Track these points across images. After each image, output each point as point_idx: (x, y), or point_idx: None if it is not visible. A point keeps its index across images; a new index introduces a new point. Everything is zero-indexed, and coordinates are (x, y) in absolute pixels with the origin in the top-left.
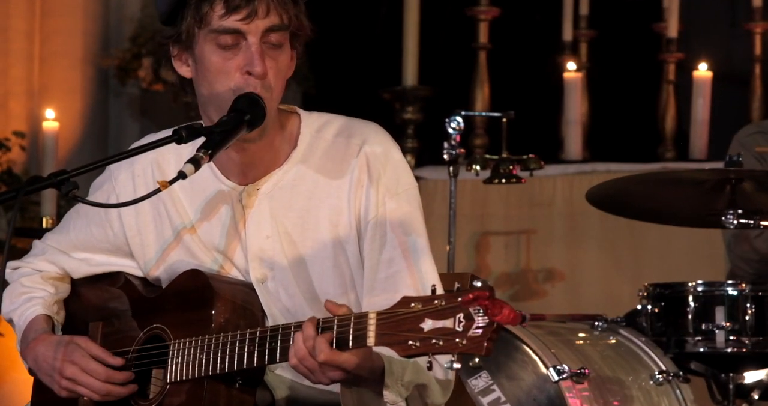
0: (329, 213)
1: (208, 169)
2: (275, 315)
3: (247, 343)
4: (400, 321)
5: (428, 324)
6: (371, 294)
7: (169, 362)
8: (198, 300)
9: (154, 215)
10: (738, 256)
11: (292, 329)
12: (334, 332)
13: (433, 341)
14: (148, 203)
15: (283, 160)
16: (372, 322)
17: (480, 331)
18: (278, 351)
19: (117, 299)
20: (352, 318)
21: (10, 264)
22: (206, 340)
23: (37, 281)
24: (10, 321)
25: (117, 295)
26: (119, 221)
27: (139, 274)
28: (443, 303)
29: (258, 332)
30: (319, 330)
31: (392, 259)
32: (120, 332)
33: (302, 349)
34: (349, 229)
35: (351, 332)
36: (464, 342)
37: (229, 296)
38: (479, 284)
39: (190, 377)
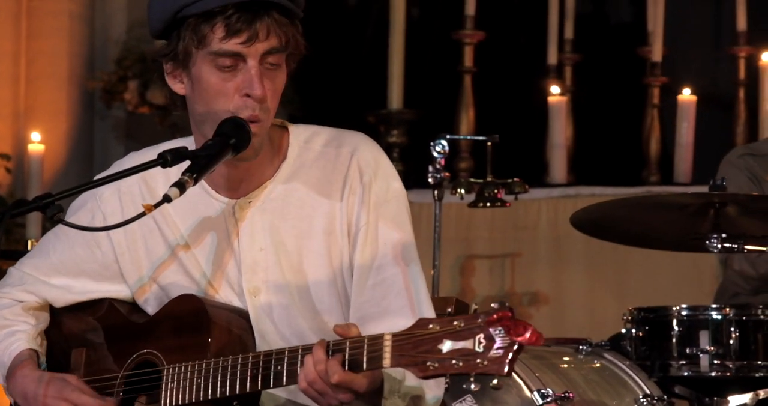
0: (322, 222)
1: (199, 185)
2: (265, 331)
3: (250, 366)
4: (417, 342)
5: (447, 345)
6: (360, 300)
7: (163, 387)
8: (193, 325)
9: (144, 231)
10: (736, 272)
11: (300, 352)
12: (346, 354)
13: (453, 361)
14: (137, 220)
15: (273, 172)
16: (388, 344)
17: (501, 351)
18: (285, 374)
19: (101, 325)
20: (366, 340)
21: None
22: (204, 364)
23: (19, 313)
24: None
25: (101, 321)
26: (107, 239)
27: (125, 297)
28: (462, 324)
29: (261, 356)
30: (330, 353)
31: (381, 265)
32: (105, 359)
33: (312, 372)
34: (341, 237)
35: (365, 353)
36: (485, 363)
37: (224, 321)
38: (498, 306)
39: (186, 401)
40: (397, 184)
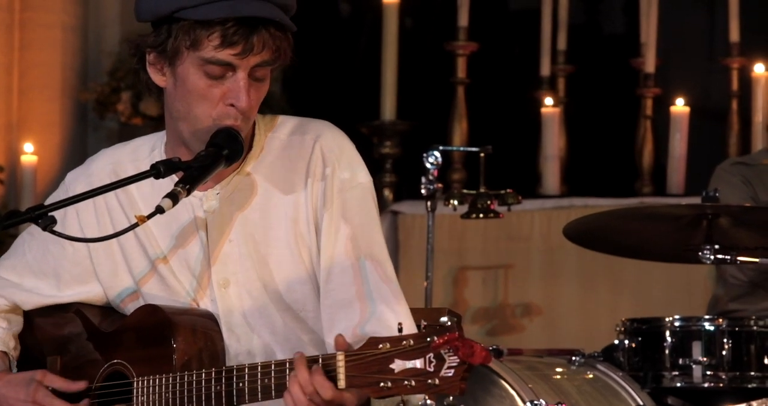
0: (288, 210)
1: (168, 179)
2: (233, 324)
3: (213, 382)
4: (369, 363)
5: (398, 365)
6: (328, 287)
7: (135, 400)
8: (157, 337)
9: (113, 223)
10: (730, 273)
11: (259, 369)
12: (320, 365)
13: (405, 382)
14: (109, 219)
15: (240, 163)
16: (341, 364)
17: (452, 371)
18: (246, 392)
19: (72, 331)
20: (320, 359)
21: None
22: (170, 378)
23: None
24: None
25: (72, 327)
26: (79, 231)
27: (96, 297)
28: (412, 343)
29: (224, 371)
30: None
31: (347, 251)
32: (78, 368)
33: (302, 399)
34: (307, 224)
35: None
36: (437, 382)
37: (189, 330)
38: (447, 323)
39: None
40: (361, 170)
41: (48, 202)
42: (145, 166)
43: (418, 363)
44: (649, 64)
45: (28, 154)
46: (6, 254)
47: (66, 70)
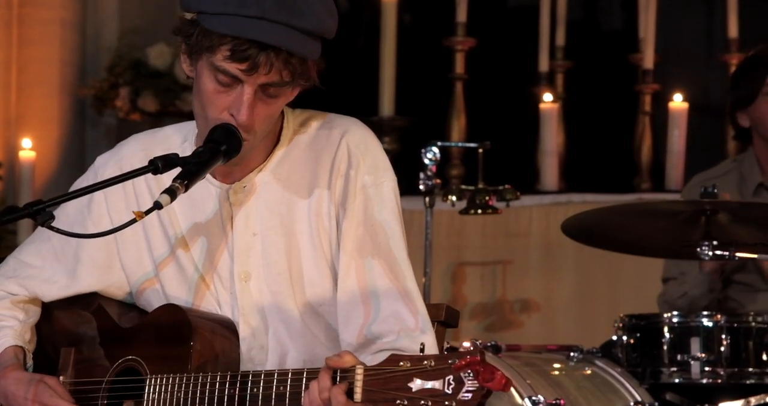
0: (312, 203)
1: None
2: (250, 317)
3: (227, 385)
4: (388, 379)
5: (417, 384)
6: (344, 285)
7: (145, 397)
8: (176, 336)
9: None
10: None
11: (275, 376)
12: (356, 384)
13: (422, 402)
14: (137, 204)
15: (267, 156)
16: (359, 378)
17: (470, 395)
18: (260, 397)
19: (90, 325)
20: (339, 372)
21: None
22: (185, 378)
23: (8, 307)
24: None
25: (90, 321)
26: (108, 220)
27: (118, 288)
28: (433, 364)
29: (239, 376)
30: (336, 380)
31: (365, 248)
32: (91, 361)
33: (317, 399)
34: (329, 218)
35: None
36: (453, 405)
37: (207, 333)
38: (470, 347)
39: None
40: (385, 168)
41: (76, 185)
42: (176, 141)
43: (437, 384)
44: (648, 60)
45: (27, 149)
46: (30, 238)
47: (64, 66)
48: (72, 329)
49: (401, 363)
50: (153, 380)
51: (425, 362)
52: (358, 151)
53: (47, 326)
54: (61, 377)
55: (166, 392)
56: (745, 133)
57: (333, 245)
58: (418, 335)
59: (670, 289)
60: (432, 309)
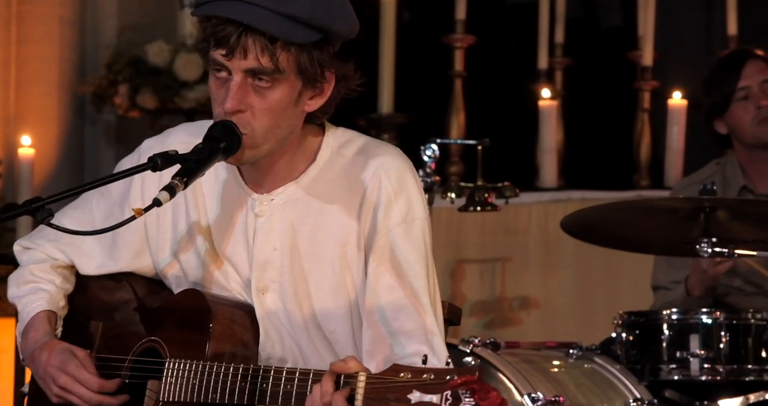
0: (338, 232)
1: (232, 172)
2: (269, 328)
3: (239, 378)
4: (389, 388)
5: (415, 396)
6: (371, 318)
7: (163, 380)
8: (195, 322)
9: (174, 210)
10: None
11: (284, 374)
12: (357, 391)
13: None
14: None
15: (299, 174)
16: (362, 385)
17: None
18: (268, 393)
19: (119, 300)
20: (342, 377)
21: (21, 243)
22: (200, 366)
23: (47, 270)
24: (14, 304)
25: (120, 296)
26: (141, 204)
27: (147, 271)
28: (432, 377)
29: (251, 370)
30: (340, 385)
31: (392, 286)
32: (117, 338)
33: (318, 403)
34: (356, 250)
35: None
36: None
37: (227, 320)
38: (471, 363)
39: (182, 399)
40: (418, 206)
41: (120, 166)
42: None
43: (434, 398)
44: (647, 57)
45: (26, 147)
46: (73, 204)
47: (63, 64)
48: (103, 302)
49: (402, 374)
50: (171, 364)
51: (425, 375)
52: (392, 188)
53: (79, 297)
54: (88, 351)
55: (182, 377)
56: (723, 140)
57: (356, 277)
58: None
59: (660, 300)
60: None
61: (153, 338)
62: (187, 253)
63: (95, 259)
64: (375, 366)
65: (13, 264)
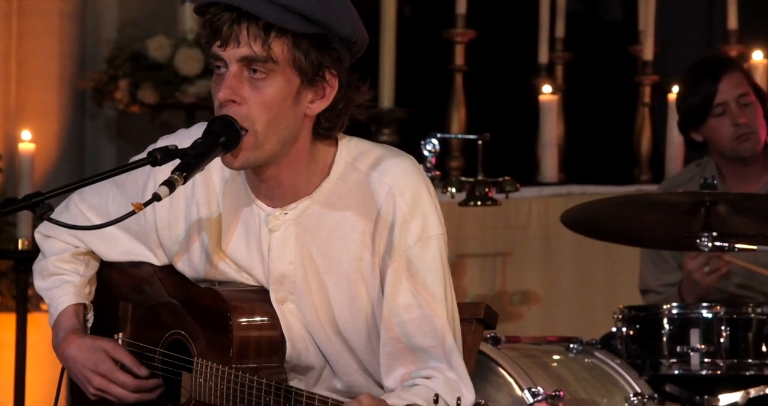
0: (353, 246)
1: (243, 184)
2: (294, 337)
3: (263, 394)
4: None
5: None
6: (388, 335)
7: (193, 378)
8: (217, 324)
9: (186, 209)
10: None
11: (316, 401)
12: None
13: None
14: (182, 195)
15: (313, 188)
16: None
17: None
18: None
19: (146, 285)
20: None
21: (41, 230)
22: (227, 373)
23: (69, 260)
24: (41, 295)
25: (146, 281)
26: (152, 210)
27: (161, 262)
28: None
29: (273, 388)
30: None
31: (409, 305)
32: (145, 325)
33: None
34: (371, 266)
35: None
36: None
37: (247, 314)
38: (481, 401)
39: (212, 402)
40: (433, 222)
41: (160, 142)
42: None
43: None
44: (648, 51)
45: (26, 141)
46: (90, 189)
47: (64, 58)
48: (129, 285)
49: None
50: (200, 364)
51: None
52: (407, 208)
53: (108, 274)
54: (120, 334)
55: (211, 380)
56: (699, 146)
57: (371, 292)
58: (457, 389)
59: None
60: (471, 307)
61: (181, 331)
62: (203, 263)
63: (116, 246)
64: (392, 381)
65: (13, 259)
